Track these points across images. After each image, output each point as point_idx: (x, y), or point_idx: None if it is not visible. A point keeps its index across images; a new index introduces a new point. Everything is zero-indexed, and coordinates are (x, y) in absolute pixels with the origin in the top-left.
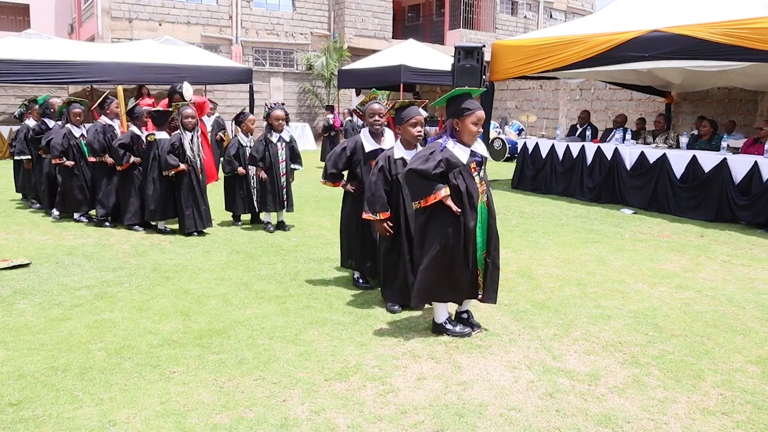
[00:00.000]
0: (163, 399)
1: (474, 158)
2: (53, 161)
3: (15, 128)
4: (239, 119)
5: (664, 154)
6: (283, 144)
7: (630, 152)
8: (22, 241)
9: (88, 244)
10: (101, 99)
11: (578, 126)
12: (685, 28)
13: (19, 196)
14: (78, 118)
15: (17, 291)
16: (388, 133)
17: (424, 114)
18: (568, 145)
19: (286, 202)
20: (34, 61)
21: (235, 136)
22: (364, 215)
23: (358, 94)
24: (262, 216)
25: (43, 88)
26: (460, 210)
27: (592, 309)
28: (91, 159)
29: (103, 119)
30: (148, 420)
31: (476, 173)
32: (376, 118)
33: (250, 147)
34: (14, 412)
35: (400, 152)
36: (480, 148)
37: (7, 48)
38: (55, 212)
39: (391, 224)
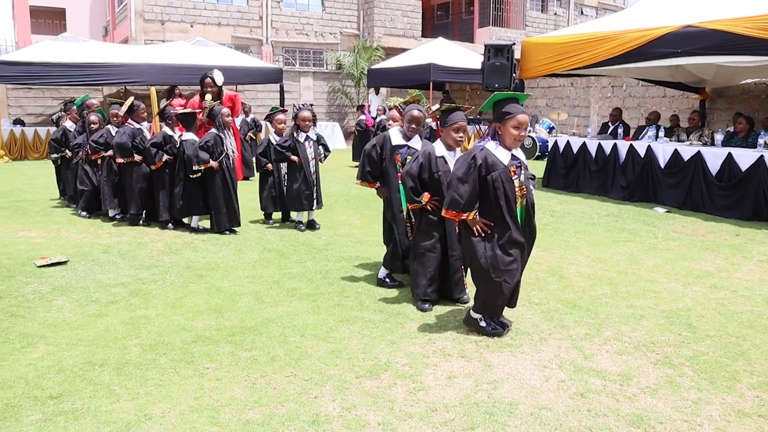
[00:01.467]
0: (197, 394)
1: (514, 162)
2: (116, 160)
3: (52, 129)
4: (270, 118)
5: (699, 151)
6: (311, 143)
7: (663, 150)
8: (59, 239)
9: (123, 243)
10: (129, 105)
11: (610, 124)
12: (719, 22)
13: (57, 195)
14: (116, 119)
15: (56, 288)
16: (418, 138)
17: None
18: (600, 143)
19: (315, 200)
20: (70, 63)
21: (267, 135)
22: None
23: (377, 93)
24: (293, 215)
25: (79, 90)
26: (483, 234)
27: (624, 308)
28: (119, 159)
29: (132, 123)
30: (182, 415)
31: (516, 176)
32: (413, 126)
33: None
34: (55, 405)
35: (441, 151)
36: (520, 153)
37: (45, 51)
38: (83, 212)
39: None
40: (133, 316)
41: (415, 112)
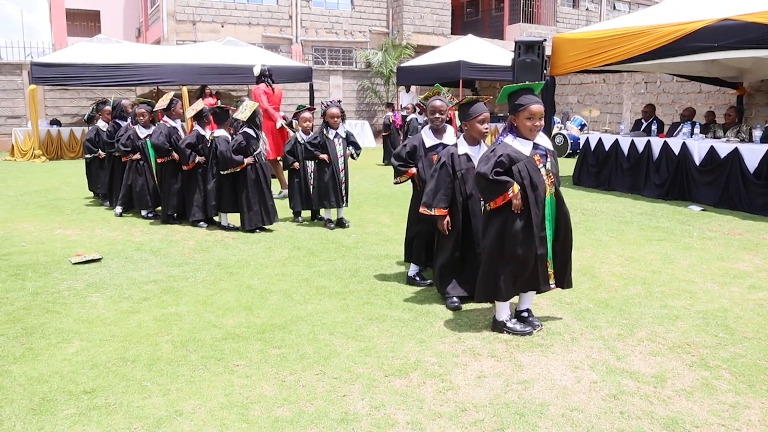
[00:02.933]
0: (227, 391)
1: (537, 150)
2: (122, 159)
3: (87, 129)
4: (297, 116)
5: (736, 148)
6: (340, 140)
7: (699, 147)
8: (93, 236)
9: (155, 240)
10: (168, 102)
11: (643, 120)
12: (758, 15)
13: (91, 194)
14: (143, 118)
15: (90, 284)
16: (450, 129)
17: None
18: (632, 140)
19: (344, 198)
20: (105, 64)
21: (294, 133)
22: (421, 209)
23: (408, 90)
24: (322, 212)
25: (113, 90)
26: (521, 208)
27: (658, 309)
28: (159, 160)
29: (167, 120)
30: (212, 411)
31: (542, 165)
32: (437, 115)
33: (307, 143)
34: (89, 400)
35: (464, 148)
36: (544, 141)
37: (80, 53)
38: (118, 209)
39: (450, 221)
40: (164, 312)
41: (437, 103)
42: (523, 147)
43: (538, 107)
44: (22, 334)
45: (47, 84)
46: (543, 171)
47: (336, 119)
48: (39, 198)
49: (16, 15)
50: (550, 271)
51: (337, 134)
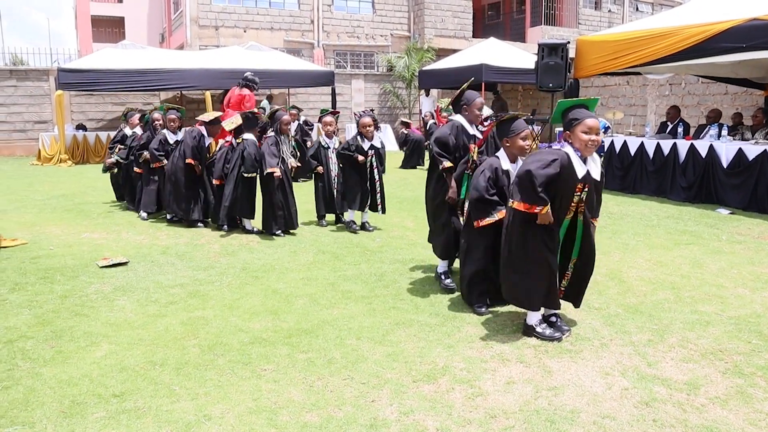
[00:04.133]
0: (255, 396)
1: (585, 180)
2: (152, 165)
3: (113, 134)
4: (320, 120)
5: (765, 150)
6: (373, 151)
7: (727, 149)
8: (120, 240)
9: (181, 244)
10: (212, 118)
11: (668, 123)
12: None
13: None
14: (173, 124)
15: (117, 288)
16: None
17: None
18: (658, 143)
19: (380, 205)
20: (129, 70)
21: (318, 138)
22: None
23: (427, 94)
24: (346, 215)
25: (137, 95)
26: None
27: (688, 314)
28: (189, 161)
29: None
30: (241, 416)
31: (578, 194)
32: (482, 113)
33: (333, 149)
34: (118, 403)
35: (506, 164)
36: (595, 169)
37: (105, 58)
38: (144, 213)
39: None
40: (191, 316)
41: (480, 99)
42: (579, 169)
43: (594, 121)
44: (51, 337)
45: (73, 89)
46: (575, 198)
47: (369, 128)
48: (66, 202)
49: (42, 22)
50: (564, 284)
51: (372, 146)
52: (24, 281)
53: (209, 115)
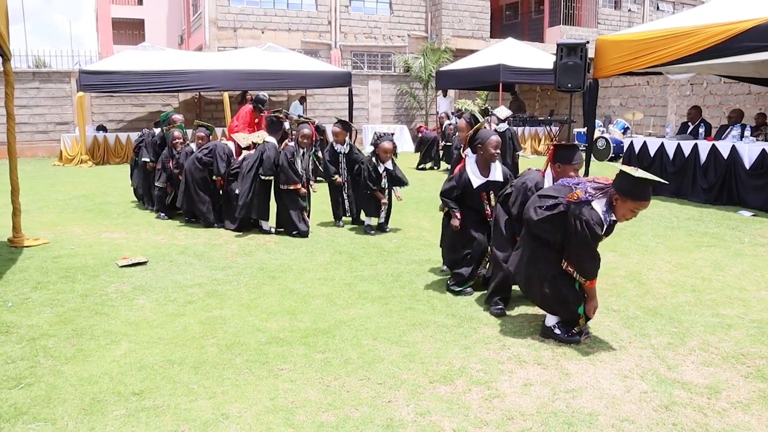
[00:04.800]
0: (272, 395)
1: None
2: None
3: (133, 135)
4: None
5: None
6: (386, 173)
7: (749, 150)
8: (139, 240)
9: (199, 244)
10: (249, 143)
11: (689, 123)
12: None
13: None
14: (201, 141)
15: (136, 287)
16: (498, 165)
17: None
18: (678, 144)
19: (385, 221)
20: (149, 71)
21: (330, 143)
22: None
23: (445, 95)
24: (363, 217)
25: (156, 97)
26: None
27: (709, 317)
28: (217, 179)
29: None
30: (258, 415)
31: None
32: (498, 151)
33: (344, 153)
34: (137, 401)
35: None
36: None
37: (125, 60)
38: (162, 213)
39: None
40: (209, 316)
41: (495, 138)
42: (605, 225)
43: (648, 204)
44: (72, 335)
45: (94, 91)
46: None
47: (388, 155)
48: (86, 202)
49: (64, 25)
50: None
51: (386, 169)
52: (46, 280)
53: (245, 140)
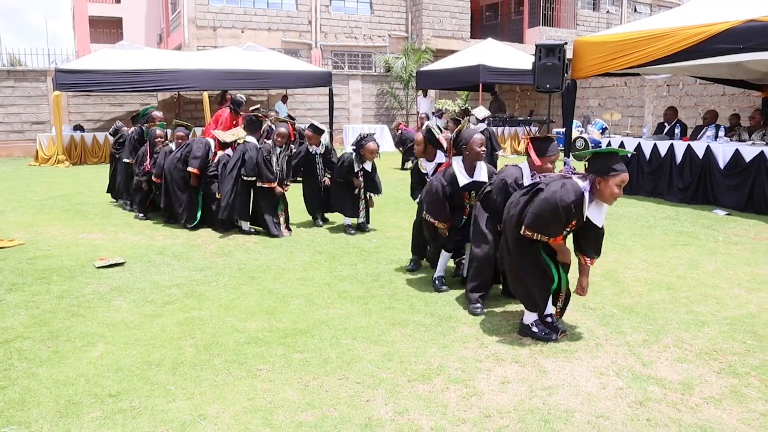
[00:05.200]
0: (251, 395)
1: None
2: (154, 179)
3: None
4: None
5: (762, 151)
6: (363, 172)
7: (724, 150)
8: (117, 240)
9: (178, 245)
10: (235, 138)
11: (666, 123)
12: None
13: (110, 197)
14: (180, 141)
15: (114, 288)
16: (483, 166)
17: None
18: (655, 144)
19: (364, 223)
20: (127, 70)
21: (302, 143)
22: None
23: (425, 95)
24: (342, 219)
25: (134, 96)
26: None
27: (683, 315)
28: (192, 170)
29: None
30: (236, 416)
31: (569, 230)
32: (483, 149)
33: (319, 154)
34: (113, 403)
35: (528, 180)
36: (598, 216)
37: (103, 59)
38: (140, 214)
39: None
40: (187, 316)
41: (479, 136)
42: (595, 216)
43: (627, 176)
44: (48, 337)
45: (71, 90)
46: (570, 236)
47: (373, 155)
48: (63, 202)
49: (40, 23)
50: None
51: (363, 168)
52: (21, 282)
53: (227, 137)
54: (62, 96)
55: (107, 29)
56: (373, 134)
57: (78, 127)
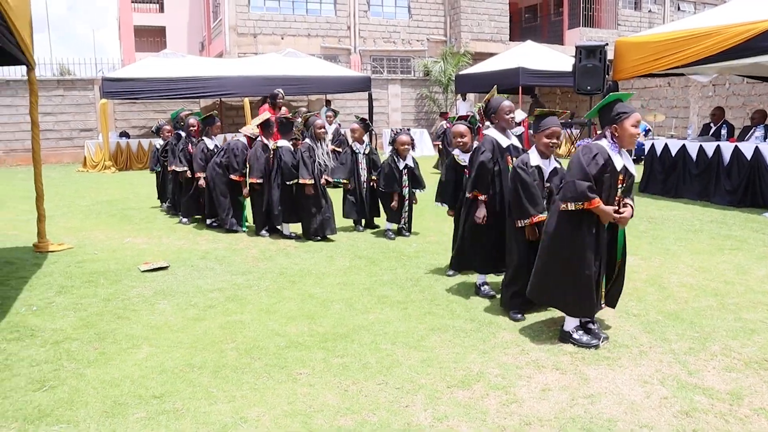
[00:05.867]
0: (291, 399)
1: (624, 171)
2: (196, 175)
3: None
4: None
5: None
6: (407, 170)
7: None
8: (161, 245)
9: (220, 249)
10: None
11: (712, 124)
12: None
13: (158, 203)
14: (193, 129)
15: (158, 292)
16: (511, 133)
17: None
18: (701, 145)
19: (406, 226)
20: (170, 78)
21: (349, 144)
22: (518, 223)
23: (464, 99)
24: (383, 224)
25: (177, 103)
26: (617, 216)
27: (731, 322)
28: (235, 177)
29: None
30: (276, 419)
31: (620, 186)
32: (512, 115)
33: (363, 154)
34: (157, 404)
35: (535, 160)
36: (630, 163)
37: (147, 67)
38: (184, 219)
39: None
40: (229, 320)
41: (508, 102)
42: (618, 162)
43: (638, 114)
44: (95, 339)
45: (116, 98)
46: (619, 191)
47: (406, 147)
48: (110, 207)
49: (88, 34)
50: (604, 289)
51: (406, 165)
52: (70, 284)
53: (250, 128)
54: (109, 104)
55: (151, 38)
56: (406, 129)
57: (123, 134)
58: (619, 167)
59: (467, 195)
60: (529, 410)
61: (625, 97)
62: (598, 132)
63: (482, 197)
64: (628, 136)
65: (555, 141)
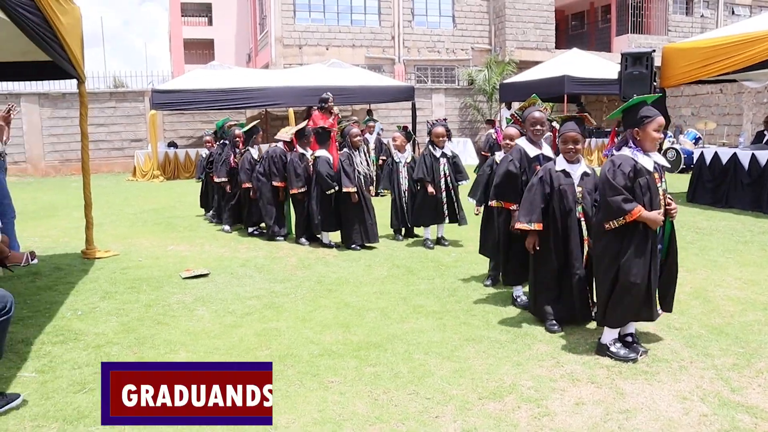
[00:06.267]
0: (321, 407)
1: (658, 169)
2: (243, 185)
3: (202, 151)
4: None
5: None
6: (445, 159)
7: None
8: (203, 252)
9: (260, 257)
10: (296, 131)
11: (766, 132)
12: None
13: (203, 211)
14: (238, 139)
15: (197, 298)
16: (546, 144)
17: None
18: (753, 154)
19: (458, 215)
20: (217, 89)
21: (391, 154)
22: (518, 225)
23: (509, 108)
24: (421, 231)
25: (224, 114)
26: (661, 221)
27: None
28: (277, 184)
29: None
30: (306, 426)
31: (660, 184)
32: (538, 127)
33: (404, 163)
34: None
35: (561, 164)
36: (659, 157)
37: (195, 79)
38: (227, 227)
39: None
40: (265, 327)
41: (537, 114)
42: (646, 162)
43: (662, 119)
44: (134, 344)
45: (165, 109)
46: (660, 189)
47: (441, 138)
48: (156, 216)
49: (140, 47)
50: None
51: (443, 153)
52: (114, 290)
53: (287, 133)
54: (158, 115)
55: (200, 50)
56: (443, 119)
57: (172, 144)
58: (650, 167)
59: (490, 203)
60: (561, 424)
61: (650, 99)
62: (615, 140)
63: (513, 207)
64: (650, 140)
65: (571, 146)
